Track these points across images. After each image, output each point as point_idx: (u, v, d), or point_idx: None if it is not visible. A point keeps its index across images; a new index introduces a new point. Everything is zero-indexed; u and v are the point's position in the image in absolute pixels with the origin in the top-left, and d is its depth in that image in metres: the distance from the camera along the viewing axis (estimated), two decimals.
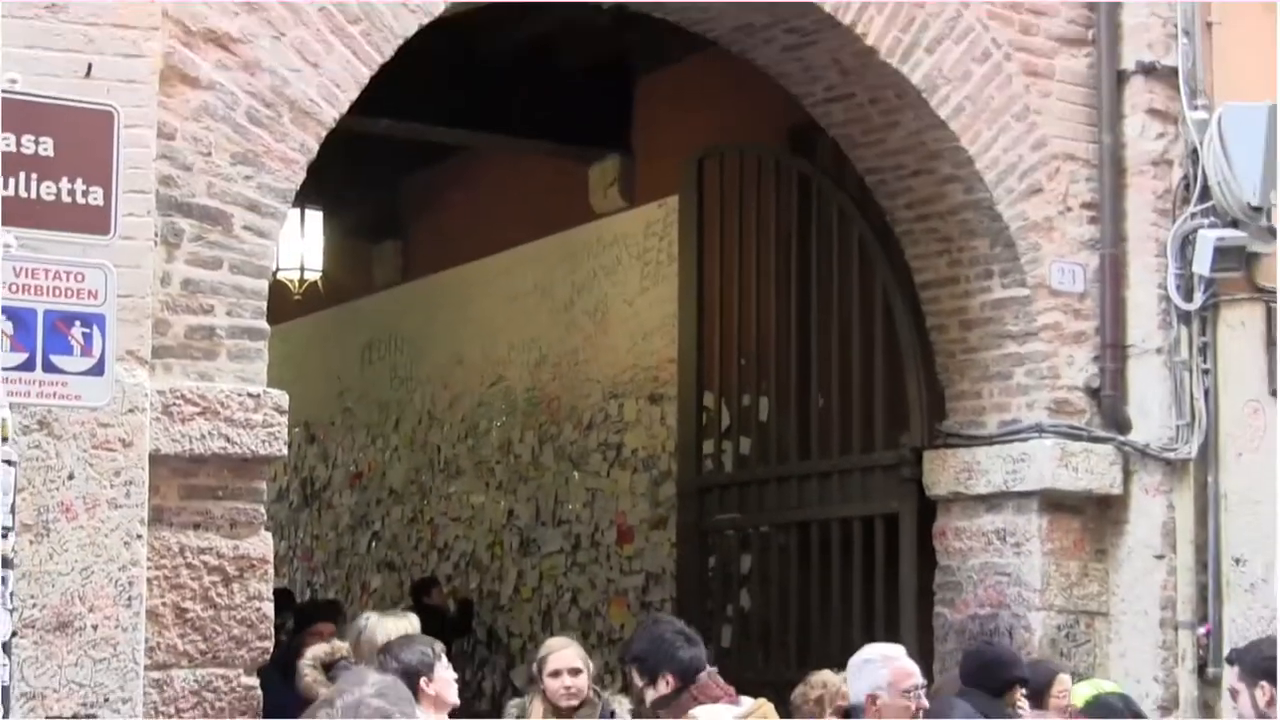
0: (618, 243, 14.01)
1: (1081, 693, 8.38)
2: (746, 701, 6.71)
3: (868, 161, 9.96)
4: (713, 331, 11.85)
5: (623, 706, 7.75)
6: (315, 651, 7.91)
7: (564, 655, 7.67)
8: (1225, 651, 8.70)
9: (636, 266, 13.76)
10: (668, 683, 6.67)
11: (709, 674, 6.81)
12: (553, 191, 14.63)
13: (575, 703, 7.54)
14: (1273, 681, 7.18)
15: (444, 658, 6.97)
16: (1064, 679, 8.53)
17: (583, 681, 7.61)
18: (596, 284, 14.26)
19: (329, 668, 7.67)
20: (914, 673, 6.99)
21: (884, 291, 10.44)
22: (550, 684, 7.57)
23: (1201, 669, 9.51)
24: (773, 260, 11.45)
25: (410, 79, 9.10)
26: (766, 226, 11.48)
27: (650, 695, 6.83)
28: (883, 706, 6.79)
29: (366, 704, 3.39)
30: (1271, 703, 7.19)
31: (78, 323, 6.35)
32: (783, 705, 10.70)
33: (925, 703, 6.95)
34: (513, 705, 7.96)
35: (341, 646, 7.82)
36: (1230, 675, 7.81)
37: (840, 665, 10.13)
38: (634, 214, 13.83)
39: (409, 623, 7.70)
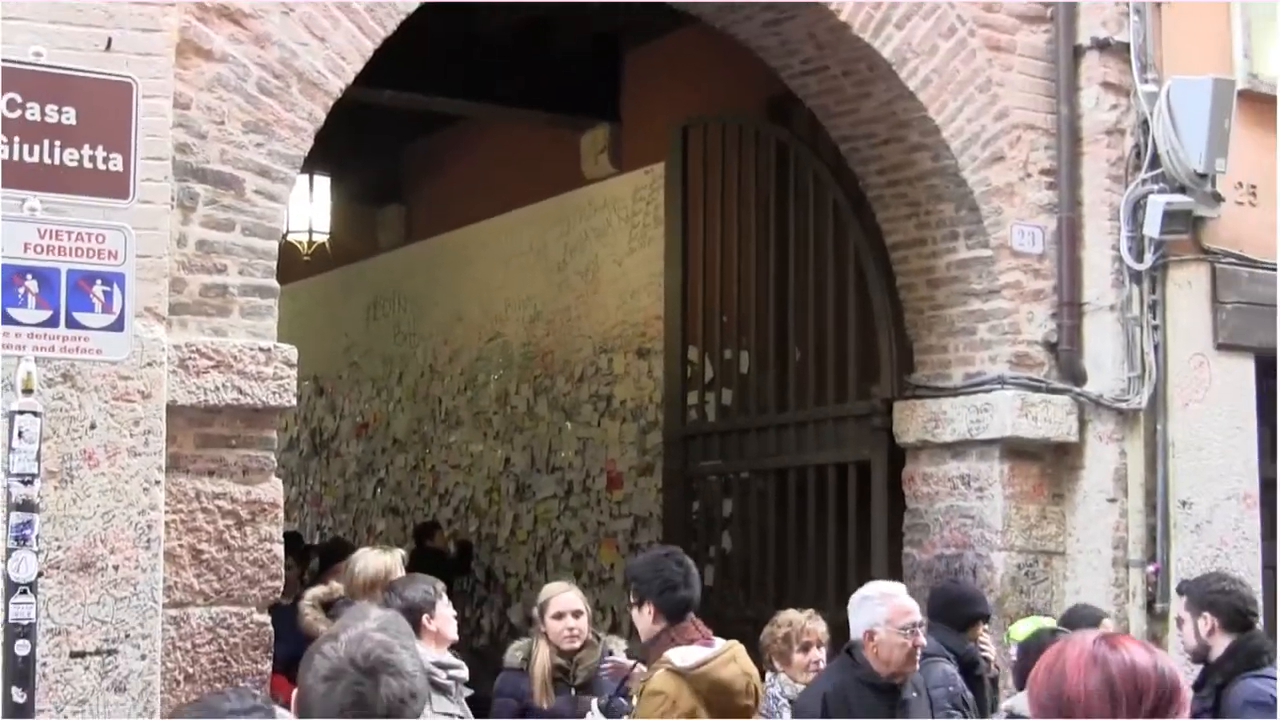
0: (607, 207, 14.02)
1: (1022, 630, 8.33)
2: (719, 644, 6.65)
3: (841, 130, 9.95)
4: (696, 290, 11.86)
5: (619, 646, 7.74)
6: (315, 592, 7.96)
7: (566, 598, 7.64)
8: (1173, 588, 8.73)
9: (625, 229, 13.76)
10: (650, 613, 6.58)
11: (691, 618, 6.72)
12: (546, 159, 14.62)
13: (577, 644, 7.51)
14: (1214, 613, 7.25)
15: (444, 596, 6.98)
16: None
17: (583, 623, 7.59)
18: (588, 245, 14.26)
19: (328, 607, 7.69)
20: (912, 610, 6.89)
21: (856, 252, 10.44)
22: (553, 626, 7.54)
23: (1150, 604, 9.57)
24: (753, 223, 11.46)
25: (412, 53, 9.08)
26: (747, 191, 11.49)
27: (634, 615, 6.77)
28: (879, 642, 6.72)
29: (369, 636, 3.39)
30: (1212, 632, 7.25)
31: (99, 281, 6.34)
32: None
33: (923, 640, 6.89)
34: (516, 647, 7.85)
35: (338, 587, 7.84)
36: (1179, 605, 7.86)
37: (815, 603, 10.20)
38: (623, 180, 13.82)
39: (393, 557, 7.69)
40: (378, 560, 7.61)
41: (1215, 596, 7.35)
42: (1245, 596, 7.38)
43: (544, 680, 7.43)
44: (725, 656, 6.38)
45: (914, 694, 6.89)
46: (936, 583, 9.24)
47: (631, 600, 6.67)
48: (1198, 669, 7.38)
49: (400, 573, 7.50)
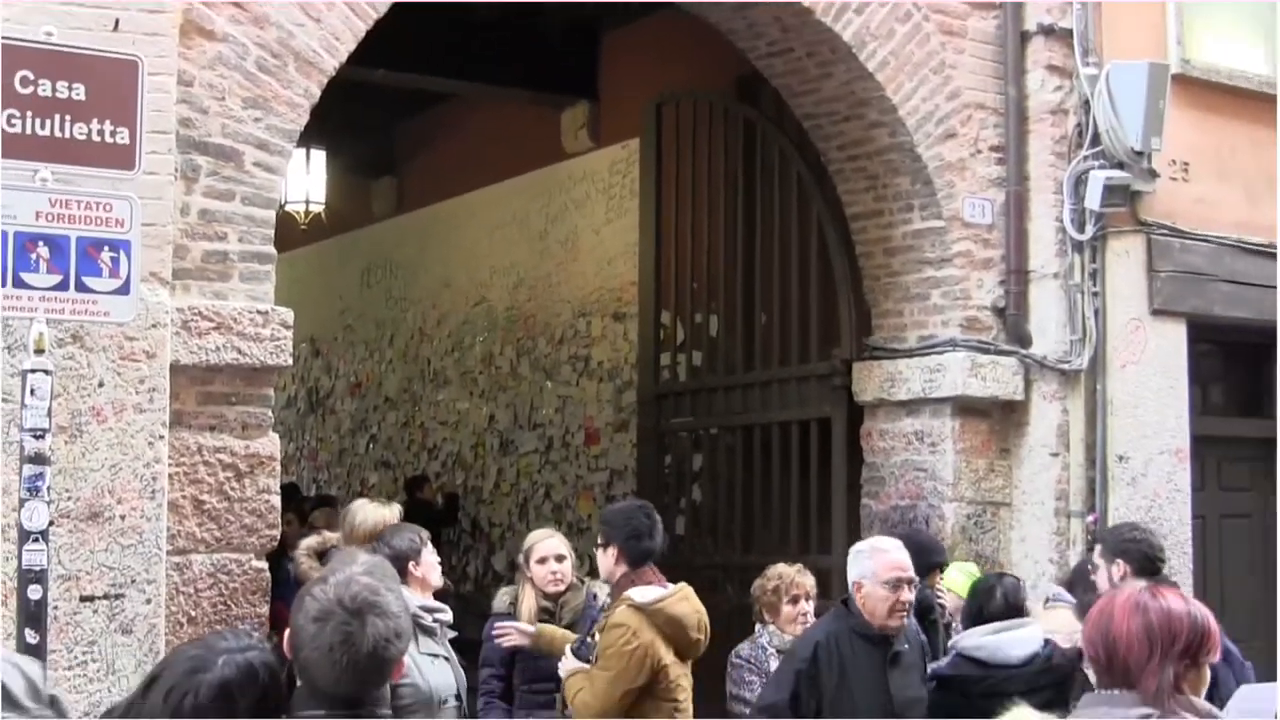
0: (586, 179, 14.00)
1: (955, 578, 8.33)
2: (672, 586, 6.81)
3: (805, 108, 9.93)
4: (669, 257, 11.84)
5: (603, 590, 7.68)
6: (309, 542, 7.89)
7: (549, 544, 7.54)
8: None
9: (602, 200, 13.76)
10: (614, 555, 6.73)
11: (651, 566, 6.85)
12: (529, 134, 14.60)
13: (561, 588, 7.42)
14: (1126, 559, 7.36)
15: (429, 544, 6.93)
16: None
17: (567, 568, 7.50)
18: (567, 216, 14.26)
19: (321, 556, 7.65)
20: (899, 565, 6.66)
21: (818, 222, 10.43)
22: (537, 571, 7.45)
23: (1089, 551, 9.60)
24: (722, 195, 11.43)
25: (404, 34, 9.03)
26: (716, 165, 11.46)
27: (599, 554, 6.89)
28: (866, 595, 6.58)
29: (356, 580, 3.40)
30: (1124, 576, 7.35)
31: (106, 248, 6.34)
32: (731, 584, 10.84)
33: (907, 596, 6.63)
34: (503, 593, 7.78)
35: (332, 537, 7.78)
36: (1094, 553, 7.93)
37: (779, 551, 10.23)
38: (600, 154, 13.81)
39: (391, 510, 7.65)
40: (376, 513, 7.53)
41: (1127, 545, 7.48)
42: (1154, 544, 7.54)
43: (530, 623, 7.41)
44: (679, 595, 6.67)
45: (906, 646, 6.74)
46: (894, 532, 9.25)
47: (599, 541, 6.82)
48: None
49: None
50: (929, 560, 8.36)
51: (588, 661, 6.80)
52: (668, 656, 6.58)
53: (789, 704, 6.49)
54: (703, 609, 6.76)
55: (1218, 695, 6.83)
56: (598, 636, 6.67)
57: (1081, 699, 3.90)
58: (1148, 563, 7.36)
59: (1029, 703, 6.83)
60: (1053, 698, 7.10)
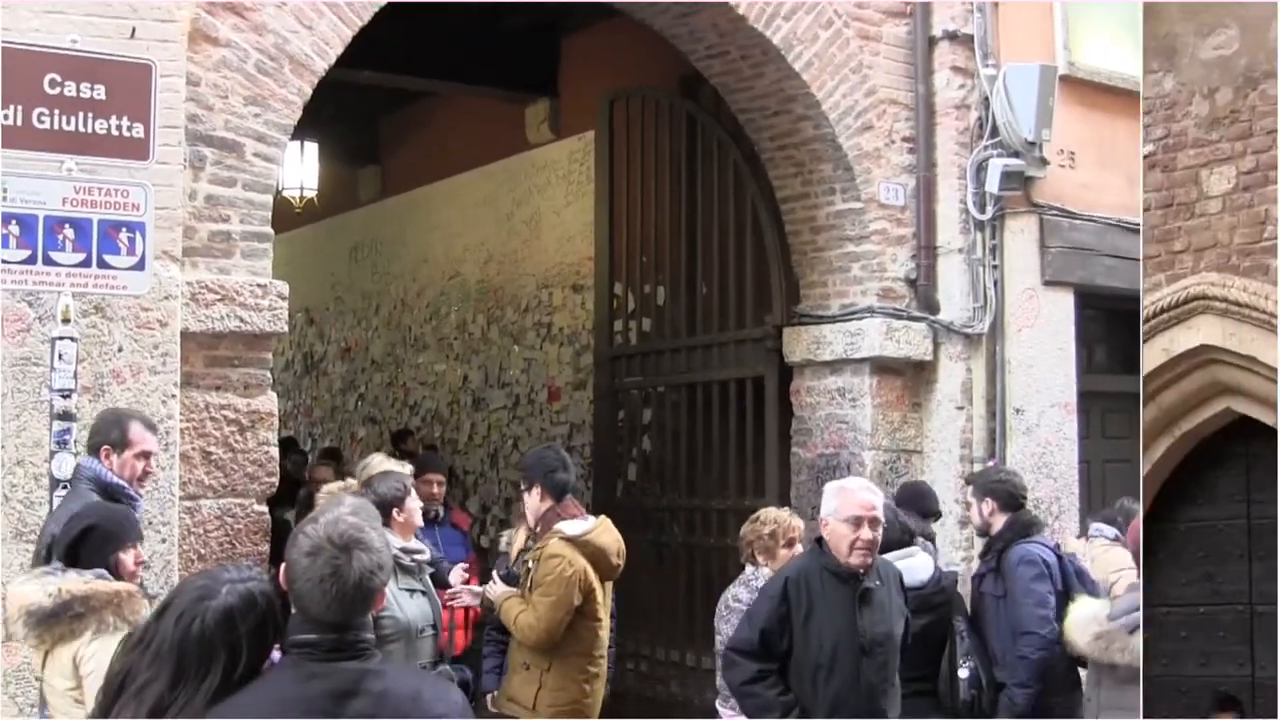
0: (548, 167, 13.99)
1: None
2: (593, 519, 6.93)
3: (740, 103, 9.96)
4: (621, 235, 11.83)
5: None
6: (330, 487, 7.94)
7: None
8: None
9: (562, 186, 13.75)
10: (538, 493, 6.86)
11: (570, 498, 6.96)
12: (497, 127, 14.54)
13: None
14: (994, 498, 7.51)
15: (412, 492, 7.01)
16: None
17: None
18: (531, 199, 14.24)
19: None
20: (862, 504, 6.17)
21: (752, 204, 10.45)
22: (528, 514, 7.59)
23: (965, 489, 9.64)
24: (667, 180, 11.42)
25: (386, 38, 9.03)
26: (663, 154, 11.44)
27: (526, 496, 7.03)
28: (830, 532, 6.14)
29: (344, 519, 3.43)
30: (993, 512, 7.52)
31: (124, 229, 6.38)
32: (677, 524, 10.91)
33: (867, 534, 6.09)
34: (504, 535, 7.95)
35: (353, 483, 7.85)
36: (966, 493, 8.04)
37: (719, 494, 10.33)
38: (560, 145, 13.79)
39: (400, 467, 7.70)
40: (386, 467, 7.61)
41: (994, 485, 7.65)
42: (1017, 484, 7.71)
43: (519, 558, 7.50)
44: (602, 528, 6.89)
45: (877, 583, 6.23)
46: (893, 484, 9.19)
47: (523, 485, 6.96)
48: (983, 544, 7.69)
49: None
50: (924, 507, 8.32)
51: (514, 585, 6.96)
52: (595, 581, 6.78)
53: (760, 640, 6.16)
54: (620, 538, 6.96)
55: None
56: (530, 565, 6.78)
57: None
58: (1012, 499, 7.55)
59: (928, 617, 7.06)
60: (945, 613, 7.26)
